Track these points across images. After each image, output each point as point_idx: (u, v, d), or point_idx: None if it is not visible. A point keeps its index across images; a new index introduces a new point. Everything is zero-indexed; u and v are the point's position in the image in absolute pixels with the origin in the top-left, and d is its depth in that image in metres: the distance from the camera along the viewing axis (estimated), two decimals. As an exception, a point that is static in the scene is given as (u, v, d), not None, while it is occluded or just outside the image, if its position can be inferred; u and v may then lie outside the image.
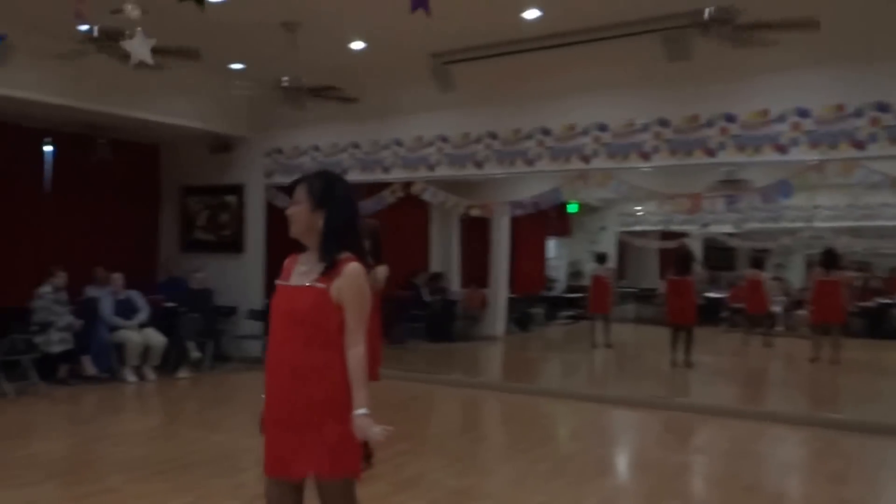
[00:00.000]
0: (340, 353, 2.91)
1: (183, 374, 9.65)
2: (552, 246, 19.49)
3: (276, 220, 10.69)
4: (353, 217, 3.06)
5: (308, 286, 2.93)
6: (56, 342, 8.68)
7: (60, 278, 8.89)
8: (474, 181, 12.18)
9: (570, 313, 17.64)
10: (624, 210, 18.39)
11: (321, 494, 2.98)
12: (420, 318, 13.44)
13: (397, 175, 10.01)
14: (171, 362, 9.64)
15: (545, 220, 16.84)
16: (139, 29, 5.59)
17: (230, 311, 10.73)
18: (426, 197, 9.86)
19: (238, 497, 5.05)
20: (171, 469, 5.56)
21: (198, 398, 8.97)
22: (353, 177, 10.28)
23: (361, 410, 2.86)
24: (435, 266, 14.93)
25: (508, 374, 12.02)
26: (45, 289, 8.77)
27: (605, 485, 5.79)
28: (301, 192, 2.99)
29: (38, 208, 10.23)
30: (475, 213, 10.00)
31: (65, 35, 6.89)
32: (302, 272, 3.00)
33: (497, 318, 14.63)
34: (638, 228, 18.71)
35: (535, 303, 16.89)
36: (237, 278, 10.89)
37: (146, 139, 11.38)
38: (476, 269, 14.96)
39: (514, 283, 15.73)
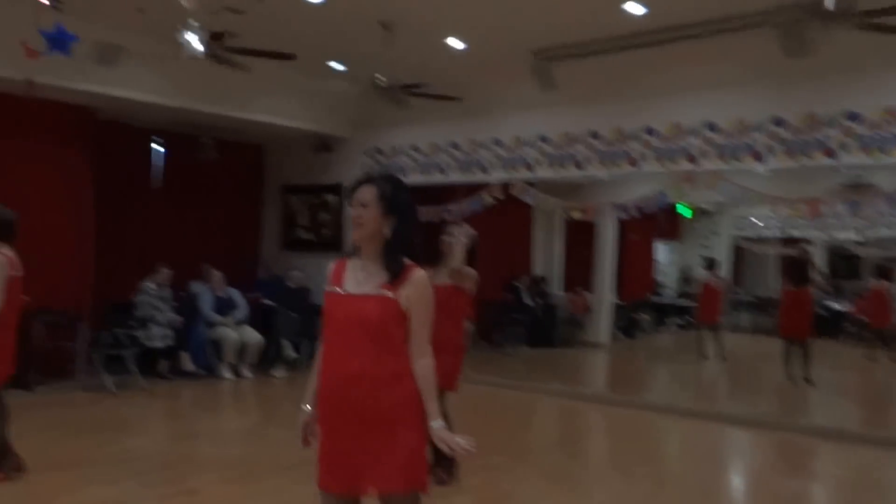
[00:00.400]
0: (408, 362, 2.85)
1: (278, 373, 9.70)
2: (662, 250, 18.87)
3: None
4: (417, 224, 2.99)
5: (376, 295, 2.83)
6: (157, 337, 8.88)
7: (163, 274, 9.10)
8: (577, 182, 11.93)
9: (680, 321, 17.02)
10: (739, 214, 17.61)
11: None
12: (520, 323, 13.14)
13: (496, 176, 9.82)
14: (267, 361, 9.72)
15: (654, 223, 16.34)
16: (193, 22, 5.59)
17: (327, 312, 10.72)
18: (525, 198, 9.63)
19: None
20: (257, 472, 5.53)
21: (292, 398, 8.88)
22: (452, 177, 10.23)
23: (438, 423, 2.82)
24: (537, 269, 14.66)
25: (612, 385, 11.64)
26: (149, 284, 8.99)
27: None
28: (369, 195, 2.87)
29: (147, 205, 10.54)
30: (576, 215, 9.72)
31: (172, 38, 7.02)
32: (361, 279, 2.88)
33: (601, 325, 14.20)
34: (755, 234, 17.90)
35: (642, 309, 16.36)
36: (335, 278, 10.87)
37: (251, 139, 11.60)
38: (580, 273, 14.58)
39: (620, 288, 15.27)
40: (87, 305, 9.07)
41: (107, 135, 9.56)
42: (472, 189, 10.21)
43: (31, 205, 8.63)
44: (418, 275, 2.86)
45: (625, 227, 15.04)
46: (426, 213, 10.19)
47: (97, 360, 8.38)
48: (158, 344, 8.90)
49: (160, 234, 10.51)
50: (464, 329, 5.60)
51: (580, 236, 14.40)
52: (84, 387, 8.41)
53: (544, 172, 9.47)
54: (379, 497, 2.85)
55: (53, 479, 5.22)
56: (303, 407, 3.00)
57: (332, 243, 11.17)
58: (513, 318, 13.02)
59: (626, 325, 15.47)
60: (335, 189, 11.20)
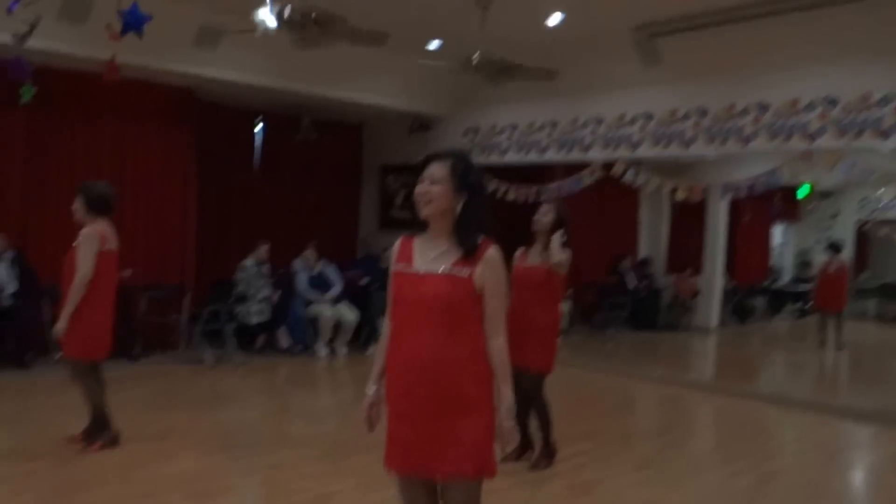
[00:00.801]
0: (483, 344, 2.80)
1: (373, 350, 9.71)
2: (778, 233, 18.04)
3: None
4: (487, 202, 2.96)
5: (448, 273, 2.78)
6: (254, 313, 9.06)
7: (263, 252, 9.25)
8: (687, 162, 11.49)
9: (796, 307, 16.25)
10: (863, 194, 16.64)
11: (449, 493, 2.82)
12: (623, 306, 12.84)
13: (596, 155, 9.49)
14: (362, 339, 9.78)
15: (770, 204, 15.66)
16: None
17: (423, 292, 10.74)
18: (627, 178, 9.29)
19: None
20: (343, 450, 5.53)
21: None
22: (551, 156, 9.98)
23: (508, 407, 2.77)
24: (643, 251, 14.27)
25: (719, 372, 11.16)
26: (248, 262, 9.17)
27: None
28: (441, 171, 2.82)
29: (247, 185, 10.75)
30: (680, 195, 9.29)
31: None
32: (432, 258, 2.83)
33: (710, 309, 13.66)
34: (881, 216, 16.87)
35: (755, 294, 15.70)
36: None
37: (349, 119, 11.67)
38: (688, 256, 14.11)
39: (732, 271, 14.73)
40: (191, 282, 9.36)
41: (208, 116, 9.78)
42: (572, 169, 9.93)
43: (139, 184, 9.02)
44: (492, 252, 2.80)
45: (738, 209, 14.47)
46: (522, 193, 10.06)
47: (197, 334, 8.62)
48: (256, 320, 9.07)
49: (260, 213, 10.71)
50: (559, 311, 5.48)
51: (689, 218, 13.88)
52: (184, 360, 8.68)
53: (648, 151, 9.07)
54: (445, 481, 2.80)
55: (146, 450, 5.37)
56: (368, 388, 2.95)
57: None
58: (615, 301, 12.71)
59: (738, 310, 14.86)
60: (434, 168, 11.12)
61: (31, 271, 7.94)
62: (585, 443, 6.19)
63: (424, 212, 2.83)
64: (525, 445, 5.61)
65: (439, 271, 2.78)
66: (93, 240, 5.15)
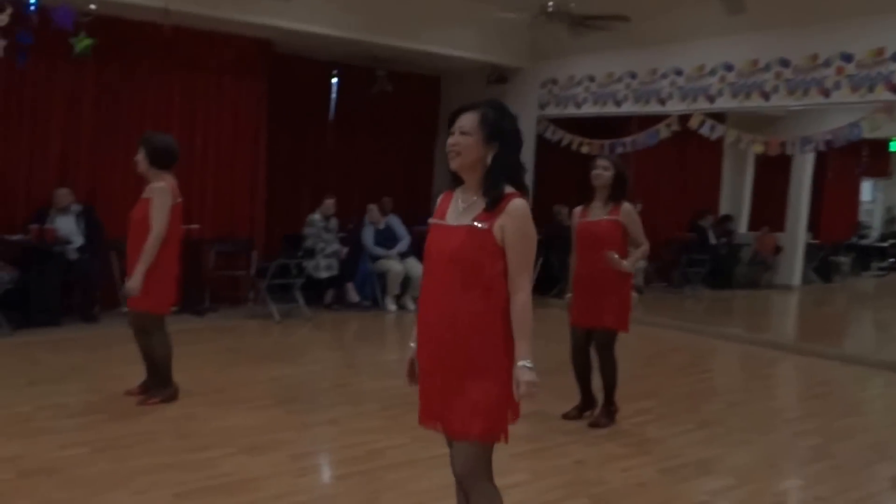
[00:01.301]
0: (503, 301, 2.68)
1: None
2: (867, 189, 17.28)
3: (547, 154, 10.47)
4: (519, 153, 2.80)
5: (469, 225, 2.69)
6: (323, 268, 9.11)
7: (329, 206, 9.27)
8: (774, 115, 11.09)
9: (884, 265, 15.61)
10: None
11: (454, 452, 2.80)
12: (702, 263, 12.51)
13: (674, 107, 9.22)
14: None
15: (858, 159, 14.98)
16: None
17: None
18: (703, 131, 9.00)
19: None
20: (399, 406, 5.49)
21: None
22: (628, 109, 9.76)
23: (523, 362, 2.63)
24: (725, 208, 13.87)
25: (799, 331, 10.79)
26: (315, 216, 9.21)
27: (877, 475, 4.82)
28: (471, 122, 2.72)
29: (322, 139, 10.76)
30: (757, 149, 8.96)
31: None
32: (461, 210, 2.76)
33: (793, 267, 13.27)
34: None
35: (841, 251, 15.15)
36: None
37: (427, 71, 11.54)
38: (771, 212, 13.68)
39: (817, 228, 14.24)
40: (261, 236, 9.47)
41: (283, 68, 9.79)
42: (648, 122, 9.66)
43: (209, 137, 9.13)
44: (516, 203, 2.67)
45: (825, 163, 13.91)
46: (597, 146, 9.84)
47: (264, 289, 8.71)
48: (324, 275, 9.12)
49: (334, 166, 10.73)
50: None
51: (773, 173, 13.44)
52: (252, 315, 8.79)
53: (726, 103, 8.81)
54: (453, 439, 2.79)
55: (204, 404, 5.44)
56: (410, 344, 2.93)
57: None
58: (694, 258, 12.40)
59: (822, 267, 14.37)
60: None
61: (99, 225, 8.11)
62: (649, 401, 6.08)
63: (454, 164, 2.76)
64: (587, 404, 5.57)
65: (463, 223, 2.71)
66: (166, 194, 5.14)
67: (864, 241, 16.21)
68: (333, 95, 10.91)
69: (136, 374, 5.53)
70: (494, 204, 2.67)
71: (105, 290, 8.16)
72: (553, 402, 5.56)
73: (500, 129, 2.72)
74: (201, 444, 4.65)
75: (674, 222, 12.59)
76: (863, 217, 17.09)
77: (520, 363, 2.63)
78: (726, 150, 13.33)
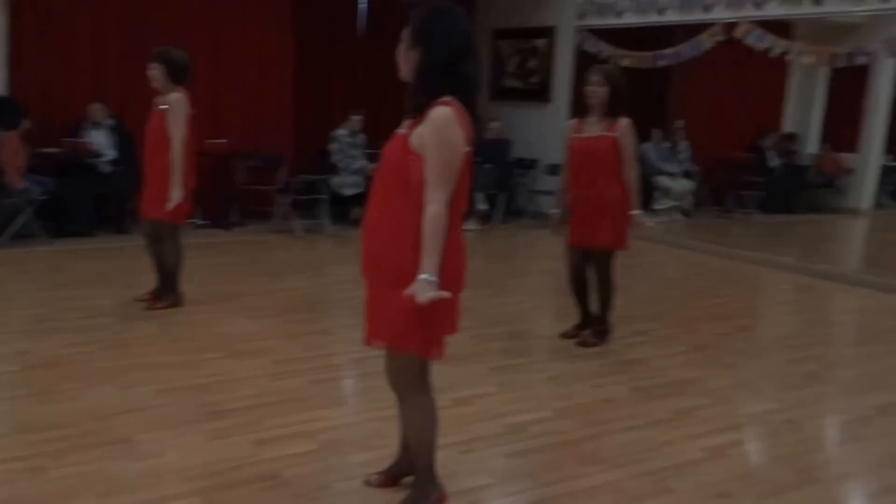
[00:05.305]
0: (423, 212, 2.73)
1: (470, 225, 9.91)
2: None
3: (586, 67, 10.51)
4: (455, 58, 2.80)
5: (398, 134, 2.84)
6: (349, 185, 9.61)
7: (356, 122, 9.69)
8: (850, 23, 10.83)
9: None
10: None
11: (387, 364, 3.06)
12: (760, 186, 12.52)
13: (719, 15, 9.21)
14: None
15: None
16: None
17: (530, 165, 10.98)
18: (750, 41, 9.00)
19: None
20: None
21: (479, 252, 9.07)
22: (670, 18, 9.76)
23: (424, 275, 2.69)
24: (789, 126, 13.73)
25: (859, 260, 10.72)
26: (341, 131, 9.65)
27: (863, 403, 4.95)
28: (406, 29, 2.84)
29: (352, 51, 11.07)
30: (807, 60, 8.95)
31: None
32: (407, 121, 2.88)
33: (863, 189, 13.09)
34: None
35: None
36: (541, 130, 11.02)
37: (460, -21, 11.66)
38: (848, 131, 13.45)
39: (896, 148, 13.94)
40: (290, 150, 9.97)
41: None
42: (694, 31, 9.67)
43: (234, 49, 9.57)
44: (438, 111, 2.71)
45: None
46: (638, 59, 9.95)
47: (285, 204, 9.29)
48: (349, 191, 9.60)
49: (365, 80, 11.05)
50: (625, 184, 5.42)
51: (851, 88, 13.15)
52: (276, 230, 9.38)
53: (775, 10, 8.73)
54: (371, 346, 3.00)
55: (208, 311, 6.06)
56: None
57: (539, 93, 11.20)
58: (750, 180, 12.44)
59: (898, 190, 14.11)
60: (546, 32, 11.10)
61: (130, 139, 8.73)
62: (650, 323, 6.36)
63: (401, 74, 2.88)
64: (586, 323, 5.79)
65: (397, 132, 2.86)
66: (183, 105, 5.66)
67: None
68: (363, 5, 11.14)
69: (154, 281, 6.17)
70: (417, 111, 2.76)
71: (136, 202, 8.82)
72: (550, 322, 5.95)
73: (424, 32, 2.78)
74: (193, 347, 5.26)
75: (732, 142, 12.59)
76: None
77: (421, 276, 2.69)
78: (793, 64, 13.12)
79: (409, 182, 2.75)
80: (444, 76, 2.77)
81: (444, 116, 2.70)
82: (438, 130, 2.70)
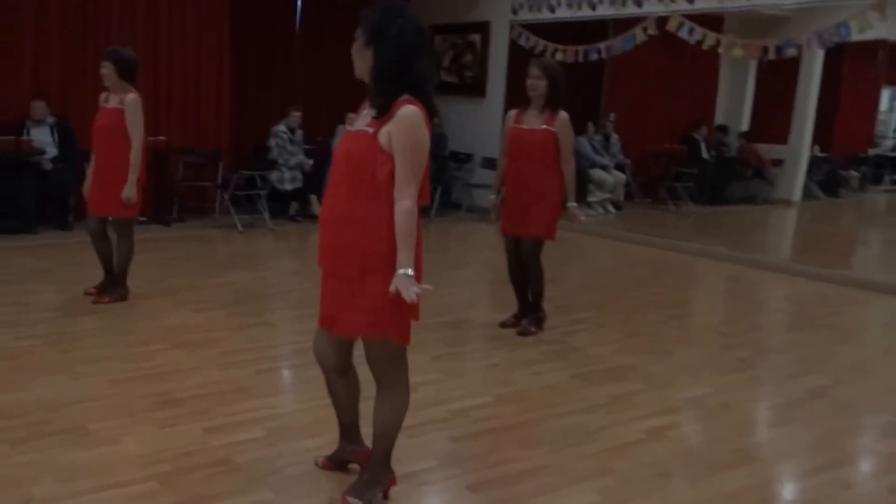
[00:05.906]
0: (391, 207, 2.85)
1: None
2: (885, 97, 17.34)
3: (520, 61, 10.78)
4: (411, 55, 2.87)
5: (361, 131, 2.92)
6: (287, 180, 9.75)
7: (295, 118, 9.84)
8: (779, 16, 11.11)
9: (896, 179, 15.88)
10: None
11: (366, 353, 3.12)
12: (691, 177, 12.90)
13: (651, 9, 9.52)
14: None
15: (875, 64, 15.02)
16: None
17: (465, 159, 11.22)
18: (682, 34, 9.31)
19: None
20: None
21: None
22: (603, 12, 10.03)
23: (402, 270, 2.80)
24: (722, 119, 14.15)
25: (790, 250, 11.17)
26: (279, 127, 9.80)
27: (796, 386, 5.13)
28: (358, 31, 2.93)
29: (289, 49, 11.22)
30: (737, 52, 9.25)
31: None
32: (364, 115, 2.98)
33: (794, 181, 13.49)
34: None
35: (854, 164, 15.36)
36: (476, 124, 11.26)
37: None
38: (778, 123, 13.87)
39: (829, 140, 14.34)
40: (227, 147, 10.06)
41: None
42: (627, 25, 9.96)
43: (174, 46, 9.64)
44: (405, 110, 2.81)
45: (839, 69, 13.91)
46: (571, 53, 10.22)
47: (225, 200, 9.42)
48: (288, 187, 9.76)
49: (302, 77, 11.20)
50: (562, 176, 5.61)
51: (779, 80, 13.52)
52: (217, 225, 9.53)
53: (707, 3, 9.04)
54: (342, 337, 3.12)
55: (151, 305, 6.19)
56: None
57: (474, 87, 11.45)
58: (682, 171, 12.80)
59: (829, 181, 14.62)
60: (480, 28, 11.36)
61: (72, 136, 8.82)
62: (587, 312, 6.62)
63: (356, 73, 2.98)
64: (524, 311, 6.00)
65: (357, 129, 2.94)
66: (139, 105, 5.87)
67: (876, 151, 16.30)
68: (299, 3, 11.28)
69: (100, 276, 6.32)
70: (381, 112, 2.85)
71: (78, 199, 8.86)
72: (489, 311, 6.15)
73: (377, 31, 2.85)
74: (141, 339, 5.38)
75: (665, 134, 12.93)
76: (880, 128, 17.12)
77: (399, 271, 2.80)
78: (723, 56, 13.49)
79: (377, 178, 2.86)
80: (401, 74, 2.86)
81: (413, 115, 2.82)
82: (409, 129, 2.81)
